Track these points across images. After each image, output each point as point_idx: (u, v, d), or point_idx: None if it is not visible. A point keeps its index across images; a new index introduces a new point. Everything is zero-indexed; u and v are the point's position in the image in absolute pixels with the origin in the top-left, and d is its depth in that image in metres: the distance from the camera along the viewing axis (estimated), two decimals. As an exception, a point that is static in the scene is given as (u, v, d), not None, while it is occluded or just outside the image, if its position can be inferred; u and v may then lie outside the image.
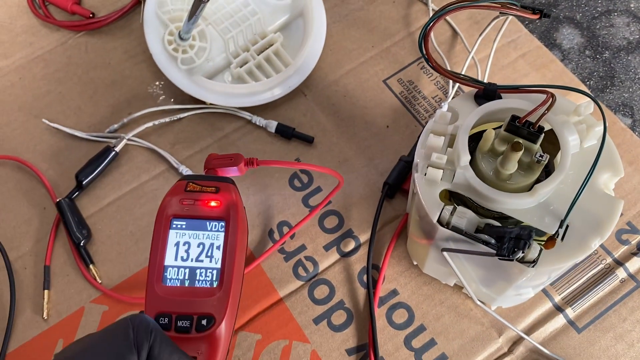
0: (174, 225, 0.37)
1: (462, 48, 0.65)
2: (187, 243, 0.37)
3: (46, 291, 0.55)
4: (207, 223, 0.38)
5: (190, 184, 0.39)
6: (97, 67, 0.66)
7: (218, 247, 0.38)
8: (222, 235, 0.38)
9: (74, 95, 0.65)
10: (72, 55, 0.67)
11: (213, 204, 0.38)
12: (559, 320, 0.53)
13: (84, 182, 0.59)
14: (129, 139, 0.61)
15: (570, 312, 0.53)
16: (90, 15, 0.68)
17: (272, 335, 0.53)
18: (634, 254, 0.55)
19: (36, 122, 0.63)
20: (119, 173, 0.60)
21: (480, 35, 0.62)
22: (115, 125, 0.62)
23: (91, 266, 0.56)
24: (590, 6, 0.77)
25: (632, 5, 0.82)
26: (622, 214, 0.56)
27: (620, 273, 0.54)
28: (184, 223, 0.38)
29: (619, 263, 0.55)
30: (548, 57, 0.64)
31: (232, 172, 0.42)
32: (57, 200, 0.58)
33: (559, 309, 0.53)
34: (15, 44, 0.68)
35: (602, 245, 0.55)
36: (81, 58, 0.67)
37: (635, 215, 0.57)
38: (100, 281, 0.55)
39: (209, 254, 0.37)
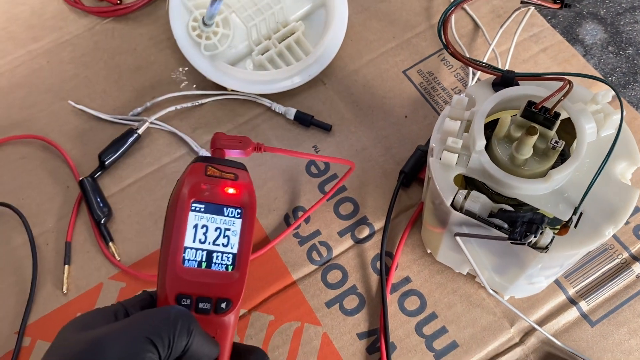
0: (193, 208, 0.37)
1: (483, 41, 0.65)
2: (205, 226, 0.38)
3: (66, 266, 0.56)
4: (225, 209, 0.38)
5: (210, 168, 0.39)
6: (123, 53, 0.68)
7: (234, 233, 0.38)
8: (239, 221, 0.39)
9: (99, 79, 0.66)
10: (99, 41, 0.69)
11: (231, 190, 0.39)
12: (572, 313, 0.52)
13: (106, 163, 0.60)
14: (151, 122, 0.62)
15: (584, 305, 0.53)
16: (118, 2, 0.70)
17: (285, 317, 0.53)
18: (651, 250, 0.54)
19: (62, 104, 0.65)
20: (140, 155, 0.62)
21: (501, 27, 0.62)
22: (139, 109, 0.63)
23: (110, 244, 0.57)
24: (615, 2, 0.76)
25: (658, 2, 0.81)
26: (640, 210, 0.56)
27: (637, 268, 0.54)
28: (203, 206, 0.38)
29: (636, 258, 0.54)
30: (570, 51, 0.64)
31: (238, 154, 0.43)
32: (80, 179, 0.59)
33: (572, 301, 0.53)
34: (44, 28, 0.70)
35: (618, 240, 0.55)
36: (108, 43, 0.69)
37: (654, 211, 0.56)
38: (119, 258, 0.57)
39: (226, 238, 0.38)
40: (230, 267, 0.38)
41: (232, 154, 0.42)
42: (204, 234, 0.38)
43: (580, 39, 0.80)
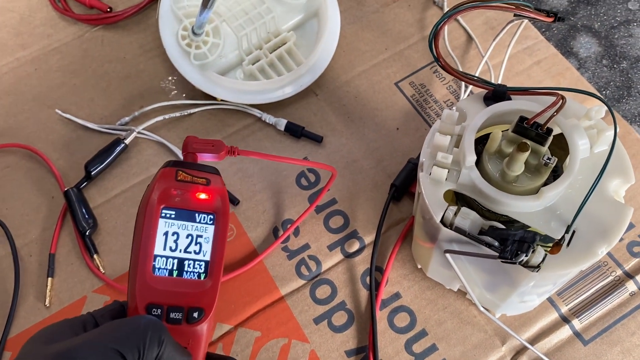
0: (163, 214, 0.36)
1: (476, 53, 0.65)
2: (176, 233, 0.37)
3: (50, 279, 0.55)
4: (197, 215, 0.37)
5: (181, 172, 0.37)
6: (112, 61, 0.67)
7: (206, 240, 0.37)
8: (211, 228, 0.38)
9: (88, 88, 0.65)
10: (88, 49, 0.68)
11: (203, 196, 0.37)
12: (565, 332, 0.51)
13: (92, 173, 0.59)
14: (139, 132, 0.61)
15: (577, 323, 0.52)
16: (108, 10, 0.69)
17: (272, 333, 0.52)
18: (645, 267, 0.53)
19: (49, 112, 0.64)
20: (127, 165, 0.61)
21: (494, 39, 0.61)
22: (127, 118, 0.62)
23: (95, 256, 0.56)
24: (610, 16, 0.76)
25: (652, 16, 0.81)
26: (634, 226, 0.55)
27: (631, 286, 0.53)
28: (174, 213, 0.37)
29: (630, 276, 0.53)
30: (564, 64, 0.63)
31: (211, 158, 0.41)
32: (65, 189, 0.58)
33: (565, 319, 0.52)
34: (33, 35, 0.69)
35: (612, 257, 0.54)
36: (97, 51, 0.68)
37: (648, 227, 0.55)
38: (103, 271, 0.55)
39: (198, 245, 0.37)
40: (202, 275, 0.37)
41: (205, 158, 0.41)
42: (175, 241, 0.37)
43: (574, 52, 0.80)
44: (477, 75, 0.61)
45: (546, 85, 0.62)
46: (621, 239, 0.55)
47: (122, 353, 0.30)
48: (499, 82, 0.61)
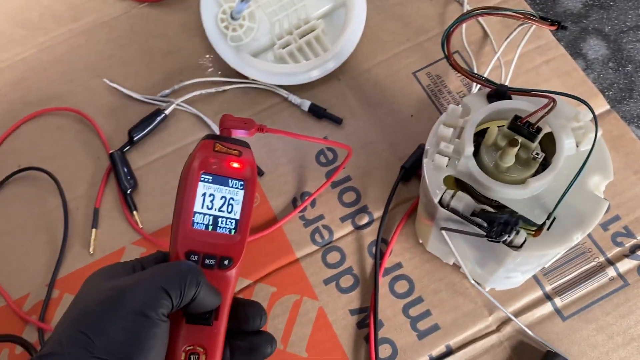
0: (203, 178, 0.43)
1: (491, 49, 0.69)
2: (212, 195, 0.43)
3: (94, 230, 0.63)
4: (229, 180, 0.44)
5: (218, 144, 0.44)
6: (156, 37, 0.73)
7: (237, 202, 0.43)
8: (241, 192, 0.44)
9: (133, 61, 0.72)
10: (134, 24, 0.74)
11: (236, 165, 0.44)
12: (547, 308, 0.58)
13: (135, 138, 0.66)
14: (177, 104, 0.68)
15: (559, 301, 0.58)
16: (154, -11, 0.75)
17: (286, 290, 0.59)
18: (626, 256, 0.59)
19: (98, 81, 0.71)
20: (166, 134, 0.67)
21: (506, 38, 0.66)
22: (167, 91, 0.69)
23: (135, 212, 0.63)
24: (620, 20, 0.80)
25: (661, 22, 0.84)
26: (620, 219, 0.60)
27: (610, 272, 0.58)
28: (211, 178, 0.43)
29: (611, 262, 0.59)
30: (571, 65, 0.68)
31: (243, 134, 0.48)
32: (111, 152, 0.65)
33: (548, 297, 0.58)
34: (85, 9, 0.75)
35: (597, 245, 0.60)
36: (142, 27, 0.74)
37: (633, 221, 0.60)
38: (141, 226, 0.63)
39: (229, 206, 0.43)
40: (232, 231, 0.43)
41: (238, 134, 0.48)
42: (211, 201, 0.43)
43: (583, 54, 0.84)
44: (489, 69, 0.67)
45: (552, 83, 0.67)
46: (607, 229, 0.60)
47: (168, 291, 0.36)
48: (509, 78, 0.66)
